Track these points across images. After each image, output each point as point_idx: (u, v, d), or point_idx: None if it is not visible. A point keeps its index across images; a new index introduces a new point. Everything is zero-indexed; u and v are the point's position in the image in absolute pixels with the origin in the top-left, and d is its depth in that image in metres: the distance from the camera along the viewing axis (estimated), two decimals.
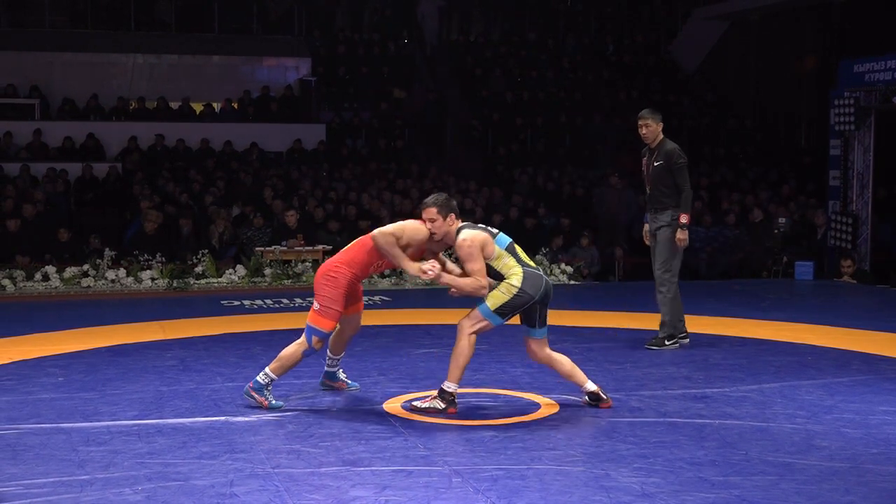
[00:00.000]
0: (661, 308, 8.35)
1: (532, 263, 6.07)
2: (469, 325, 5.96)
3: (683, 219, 8.20)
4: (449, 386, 6.01)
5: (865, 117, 14.04)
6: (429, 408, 6.00)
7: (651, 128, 8.29)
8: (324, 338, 6.15)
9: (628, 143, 19.49)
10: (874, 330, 9.23)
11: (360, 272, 6.19)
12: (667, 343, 8.24)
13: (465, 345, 5.94)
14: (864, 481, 4.81)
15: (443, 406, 5.99)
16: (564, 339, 8.30)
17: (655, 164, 8.30)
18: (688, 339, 8.42)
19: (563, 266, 13.26)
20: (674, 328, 8.32)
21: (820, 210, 15.13)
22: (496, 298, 5.92)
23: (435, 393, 6.07)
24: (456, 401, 6.03)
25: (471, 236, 5.93)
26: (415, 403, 6.09)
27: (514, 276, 5.92)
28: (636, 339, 8.66)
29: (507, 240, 6.05)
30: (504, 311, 5.94)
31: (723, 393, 6.63)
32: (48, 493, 4.60)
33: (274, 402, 6.20)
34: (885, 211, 15.48)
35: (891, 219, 15.65)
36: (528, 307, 5.96)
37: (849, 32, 19.74)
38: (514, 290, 5.90)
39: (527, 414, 6.08)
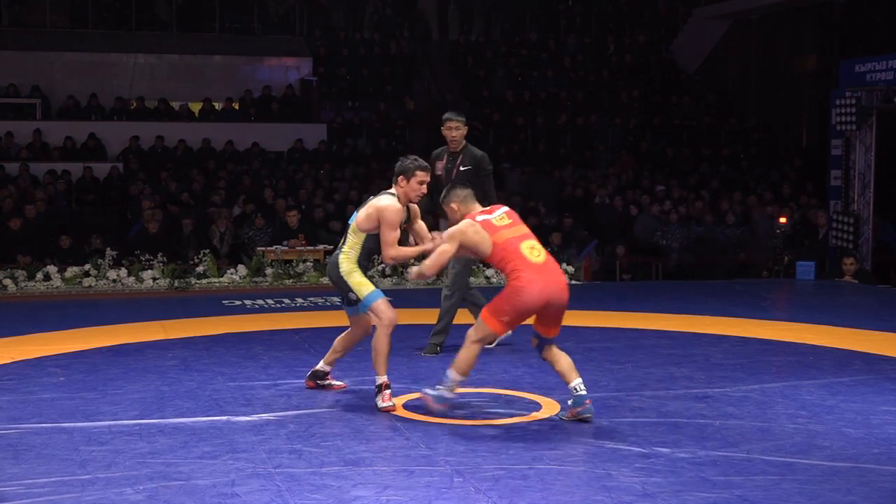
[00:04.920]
0: (443, 313, 8.12)
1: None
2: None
3: None
4: (385, 379, 6.16)
5: (867, 117, 14.03)
6: (389, 406, 6.11)
7: (461, 131, 8.14)
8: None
9: (629, 144, 19.56)
10: (875, 330, 9.21)
11: None
12: (439, 350, 8.05)
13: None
14: (865, 481, 4.81)
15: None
16: (566, 339, 8.28)
17: (462, 168, 8.12)
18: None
19: (564, 266, 13.25)
20: (446, 335, 8.11)
21: (821, 210, 15.13)
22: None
23: (386, 395, 6.18)
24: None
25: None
26: (379, 404, 6.13)
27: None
28: (637, 339, 8.66)
29: None
30: None
31: (724, 393, 6.63)
32: (49, 493, 4.60)
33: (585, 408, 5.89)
34: (886, 211, 15.47)
35: (892, 218, 15.64)
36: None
37: (850, 32, 19.75)
38: None
39: (528, 414, 6.08)
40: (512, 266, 5.81)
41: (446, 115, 8.18)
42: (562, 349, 6.02)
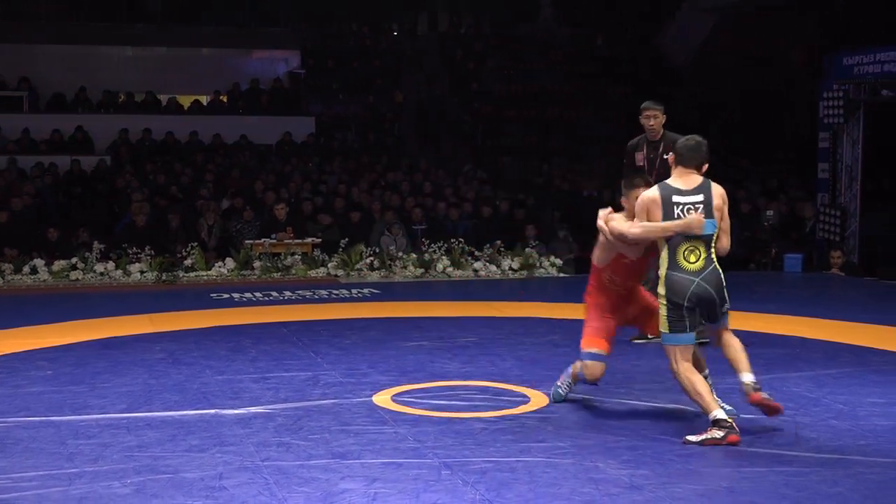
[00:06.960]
0: None
1: (691, 266, 5.58)
2: (673, 363, 5.53)
3: None
4: (716, 414, 5.33)
5: (854, 110, 14.07)
6: (706, 439, 5.27)
7: (659, 119, 8.16)
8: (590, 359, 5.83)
9: (617, 137, 19.56)
10: (862, 322, 9.24)
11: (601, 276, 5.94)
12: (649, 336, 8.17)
13: (685, 380, 5.49)
14: (851, 473, 4.82)
15: (721, 434, 5.25)
16: (555, 331, 8.31)
17: (665, 156, 8.15)
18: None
19: (552, 259, 13.25)
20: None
21: (808, 202, 15.17)
22: (660, 320, 5.56)
23: (708, 429, 5.32)
24: (734, 425, 5.32)
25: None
26: (688, 438, 5.32)
27: (659, 282, 5.59)
28: (626, 331, 8.65)
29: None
30: (675, 326, 5.52)
31: (712, 384, 6.62)
32: (37, 487, 4.59)
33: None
34: (873, 204, 15.51)
35: (879, 211, 15.68)
36: (693, 310, 5.52)
37: (838, 25, 19.79)
38: (663, 302, 5.52)
39: (516, 407, 6.09)
40: None
41: (644, 104, 8.17)
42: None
